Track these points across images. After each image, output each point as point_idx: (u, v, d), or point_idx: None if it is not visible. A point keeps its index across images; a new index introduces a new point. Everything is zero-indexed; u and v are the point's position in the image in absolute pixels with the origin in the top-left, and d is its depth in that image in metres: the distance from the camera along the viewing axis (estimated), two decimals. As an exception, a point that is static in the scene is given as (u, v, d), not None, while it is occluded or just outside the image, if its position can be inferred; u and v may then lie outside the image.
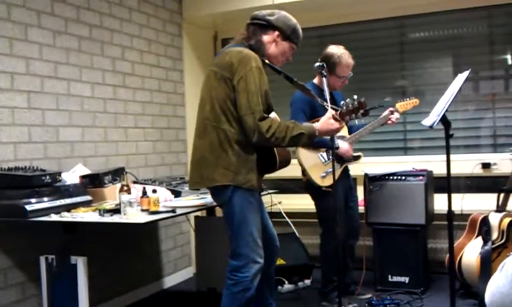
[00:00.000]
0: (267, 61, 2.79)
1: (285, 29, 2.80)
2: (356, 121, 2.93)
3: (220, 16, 4.97)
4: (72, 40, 3.70)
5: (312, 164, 3.68)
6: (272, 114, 2.77)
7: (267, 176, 2.93)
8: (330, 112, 2.79)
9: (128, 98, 4.23)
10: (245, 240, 2.66)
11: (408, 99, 3.93)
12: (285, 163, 2.94)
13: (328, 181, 3.58)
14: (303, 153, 3.68)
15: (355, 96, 2.75)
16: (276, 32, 2.79)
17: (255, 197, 2.73)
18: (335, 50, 3.71)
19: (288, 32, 2.81)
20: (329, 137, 3.14)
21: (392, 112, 3.83)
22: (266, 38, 2.79)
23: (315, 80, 3.75)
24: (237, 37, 2.83)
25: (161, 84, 4.65)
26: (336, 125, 2.76)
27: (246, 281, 2.65)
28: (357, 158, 3.86)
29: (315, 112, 3.48)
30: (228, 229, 2.73)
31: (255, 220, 2.70)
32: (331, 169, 3.64)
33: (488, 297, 1.41)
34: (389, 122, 3.86)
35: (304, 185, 3.85)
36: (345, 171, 3.87)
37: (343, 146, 3.70)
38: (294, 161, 3.08)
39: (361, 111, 2.74)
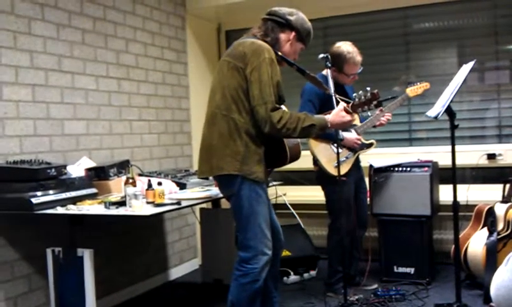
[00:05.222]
0: (280, 53, 2.79)
1: (301, 31, 2.83)
2: (369, 113, 2.88)
3: (224, 8, 4.95)
4: (76, 33, 3.70)
5: (324, 153, 3.68)
6: (282, 107, 2.77)
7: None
8: (342, 104, 2.79)
9: (132, 90, 4.23)
10: (253, 232, 2.67)
11: (418, 83, 3.87)
12: (295, 157, 2.93)
13: (341, 171, 3.57)
14: (315, 143, 3.68)
15: (368, 88, 2.74)
16: (293, 33, 2.82)
17: (263, 189, 2.74)
18: (343, 48, 3.68)
19: (304, 34, 2.85)
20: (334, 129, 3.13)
21: (381, 112, 3.78)
22: (283, 36, 2.81)
23: (324, 72, 3.73)
24: (254, 31, 2.83)
25: (165, 77, 4.65)
26: (347, 117, 2.75)
27: (254, 272, 2.66)
28: (370, 145, 3.86)
29: (325, 105, 3.46)
30: (236, 221, 2.74)
31: (263, 212, 2.70)
32: (344, 158, 3.67)
33: (493, 290, 1.41)
34: (377, 123, 3.83)
35: (315, 175, 3.84)
36: (357, 162, 3.87)
37: (349, 136, 3.69)
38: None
39: (374, 102, 2.72)
